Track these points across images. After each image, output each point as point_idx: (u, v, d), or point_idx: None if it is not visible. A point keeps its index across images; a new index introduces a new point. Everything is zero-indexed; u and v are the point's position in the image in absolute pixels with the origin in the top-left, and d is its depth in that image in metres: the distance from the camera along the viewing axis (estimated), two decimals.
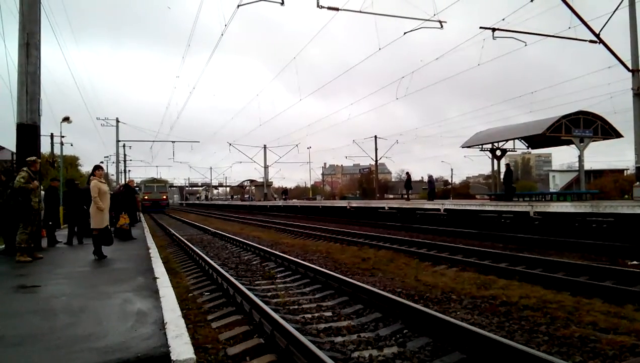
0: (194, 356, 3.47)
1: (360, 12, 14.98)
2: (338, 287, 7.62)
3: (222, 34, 16.80)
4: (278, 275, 9.55)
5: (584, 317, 5.74)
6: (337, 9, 14.56)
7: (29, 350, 3.73)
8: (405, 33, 15.97)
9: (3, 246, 10.49)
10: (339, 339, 5.20)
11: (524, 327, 5.47)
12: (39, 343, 3.87)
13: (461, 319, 5.63)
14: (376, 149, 53.57)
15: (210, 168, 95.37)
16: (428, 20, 14.96)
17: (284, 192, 66.87)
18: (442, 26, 15.14)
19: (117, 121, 44.93)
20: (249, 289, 7.32)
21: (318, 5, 13.95)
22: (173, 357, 3.42)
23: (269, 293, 7.78)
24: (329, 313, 6.38)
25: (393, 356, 4.65)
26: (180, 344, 3.72)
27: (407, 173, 30.01)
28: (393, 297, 6.32)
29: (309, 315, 6.27)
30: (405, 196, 29.68)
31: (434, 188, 30.33)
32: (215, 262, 10.22)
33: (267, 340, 5.10)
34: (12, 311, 5.00)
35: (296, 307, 6.83)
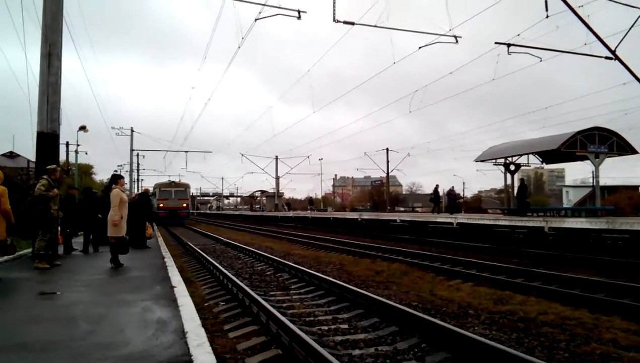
0: None
1: (376, 26, 15.04)
2: (353, 300, 7.60)
3: (239, 47, 17.00)
4: (292, 286, 9.54)
5: (603, 334, 5.67)
6: (352, 23, 14.66)
7: (51, 356, 3.78)
8: (420, 47, 16.06)
9: (22, 251, 10.62)
10: (357, 352, 5.18)
11: (544, 343, 5.41)
12: (61, 350, 3.92)
13: (480, 334, 5.58)
14: (387, 162, 53.61)
15: (222, 178, 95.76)
16: (444, 35, 15.02)
17: (310, 202, 66.40)
18: (457, 41, 15.19)
19: (132, 131, 45.44)
20: (265, 300, 7.33)
21: (334, 20, 14.05)
22: None
23: (284, 304, 7.78)
24: (345, 326, 6.36)
25: None
26: (202, 353, 3.75)
27: (436, 186, 28.52)
28: (410, 310, 6.29)
29: (325, 327, 6.25)
30: (433, 209, 28.23)
31: (455, 202, 28.95)
32: (229, 272, 10.24)
33: (285, 351, 5.10)
34: (34, 317, 5.08)
35: (312, 318, 6.82)
